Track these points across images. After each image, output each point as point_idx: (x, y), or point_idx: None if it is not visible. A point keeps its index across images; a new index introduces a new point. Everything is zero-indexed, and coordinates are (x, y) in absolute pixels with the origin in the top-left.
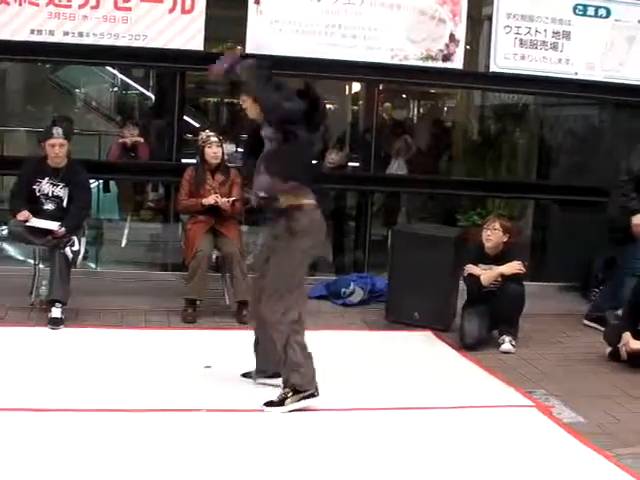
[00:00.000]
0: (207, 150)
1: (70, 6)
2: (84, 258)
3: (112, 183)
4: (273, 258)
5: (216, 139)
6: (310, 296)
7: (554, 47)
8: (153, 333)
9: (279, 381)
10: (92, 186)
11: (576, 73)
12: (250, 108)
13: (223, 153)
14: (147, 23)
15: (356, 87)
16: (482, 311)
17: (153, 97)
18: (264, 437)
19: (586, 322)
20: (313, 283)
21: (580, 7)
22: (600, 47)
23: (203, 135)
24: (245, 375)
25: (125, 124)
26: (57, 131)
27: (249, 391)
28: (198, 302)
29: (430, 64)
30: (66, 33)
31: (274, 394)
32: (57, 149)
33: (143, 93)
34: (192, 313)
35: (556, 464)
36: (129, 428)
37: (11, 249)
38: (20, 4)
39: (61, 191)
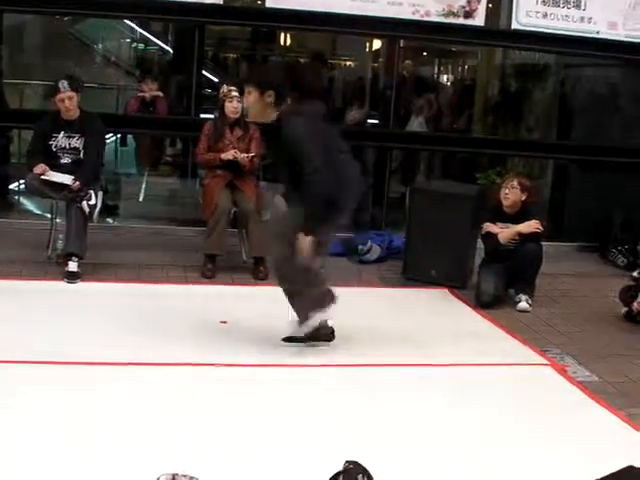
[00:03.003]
0: (227, 104)
1: None
2: (102, 212)
3: (130, 138)
4: None
5: (237, 94)
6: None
7: (577, 5)
8: (170, 288)
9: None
10: (109, 140)
11: (598, 32)
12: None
13: (243, 108)
14: None
15: (377, 44)
16: (499, 269)
17: (172, 51)
18: (276, 391)
19: None
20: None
21: None
22: (623, 6)
23: (224, 89)
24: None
25: (144, 78)
26: (63, 84)
27: (262, 346)
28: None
29: (451, 20)
30: None
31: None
32: (67, 102)
33: (162, 47)
34: (211, 268)
35: (569, 422)
36: (142, 381)
37: (28, 203)
38: None
39: (77, 142)
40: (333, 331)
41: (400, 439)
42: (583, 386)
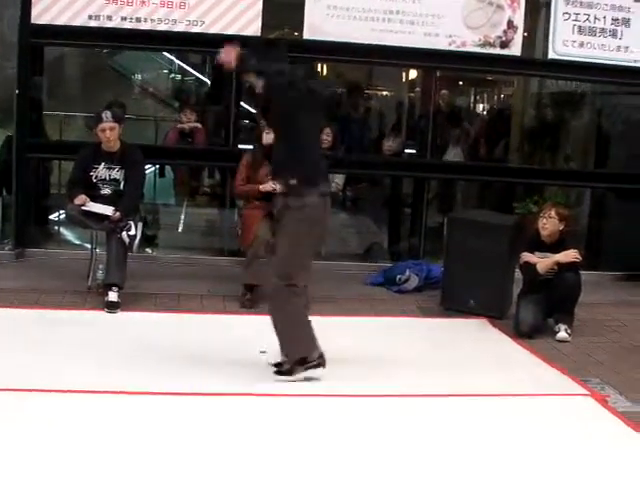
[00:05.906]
0: (265, 135)
1: None
2: (141, 242)
3: (168, 168)
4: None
5: None
6: (366, 283)
7: (613, 34)
8: (209, 318)
9: None
10: (148, 171)
11: (635, 61)
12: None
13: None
14: (204, 9)
15: (413, 74)
16: (538, 299)
17: (210, 83)
18: (319, 421)
19: None
20: (368, 271)
21: None
22: None
23: (262, 120)
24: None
25: (183, 109)
26: (106, 115)
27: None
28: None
29: (488, 51)
30: (124, 18)
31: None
32: (108, 133)
33: (200, 79)
34: (251, 298)
35: (612, 453)
36: (181, 411)
37: (68, 233)
38: None
39: (117, 174)
40: (322, 355)
41: (440, 468)
42: (624, 416)
